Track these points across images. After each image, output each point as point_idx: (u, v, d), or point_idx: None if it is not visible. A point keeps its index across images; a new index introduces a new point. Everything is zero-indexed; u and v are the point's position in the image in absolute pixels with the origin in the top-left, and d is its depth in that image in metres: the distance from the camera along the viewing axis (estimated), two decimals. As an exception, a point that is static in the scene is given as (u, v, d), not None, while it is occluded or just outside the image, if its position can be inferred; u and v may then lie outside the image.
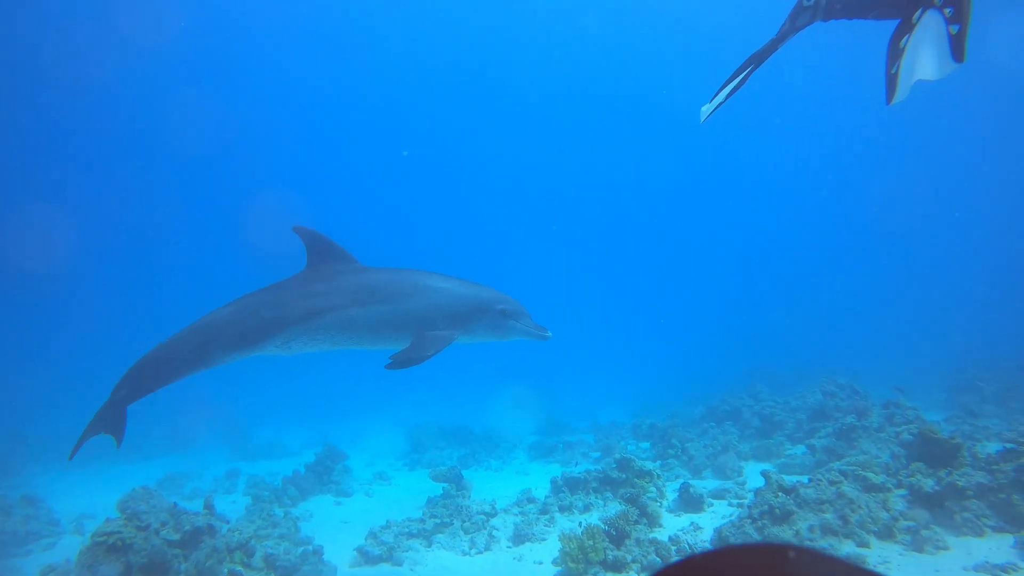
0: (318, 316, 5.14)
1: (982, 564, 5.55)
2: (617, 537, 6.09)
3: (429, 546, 7.05)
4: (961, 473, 6.67)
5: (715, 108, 3.66)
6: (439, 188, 49.95)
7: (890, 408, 9.91)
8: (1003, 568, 5.45)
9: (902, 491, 6.88)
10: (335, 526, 8.40)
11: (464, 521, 7.38)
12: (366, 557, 6.71)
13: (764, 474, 6.67)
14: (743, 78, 3.51)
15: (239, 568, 5.27)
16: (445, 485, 8.69)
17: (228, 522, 7.25)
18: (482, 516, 7.49)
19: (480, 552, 6.90)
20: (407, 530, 7.17)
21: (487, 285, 5.63)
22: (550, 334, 5.46)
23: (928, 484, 6.68)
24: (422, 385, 22.68)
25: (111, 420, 5.26)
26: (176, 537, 5.48)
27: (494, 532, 7.25)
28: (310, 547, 6.46)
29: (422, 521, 7.37)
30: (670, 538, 6.37)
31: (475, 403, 19.63)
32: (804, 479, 6.79)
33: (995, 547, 5.91)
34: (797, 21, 3.31)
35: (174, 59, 36.79)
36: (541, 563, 6.45)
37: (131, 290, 39.76)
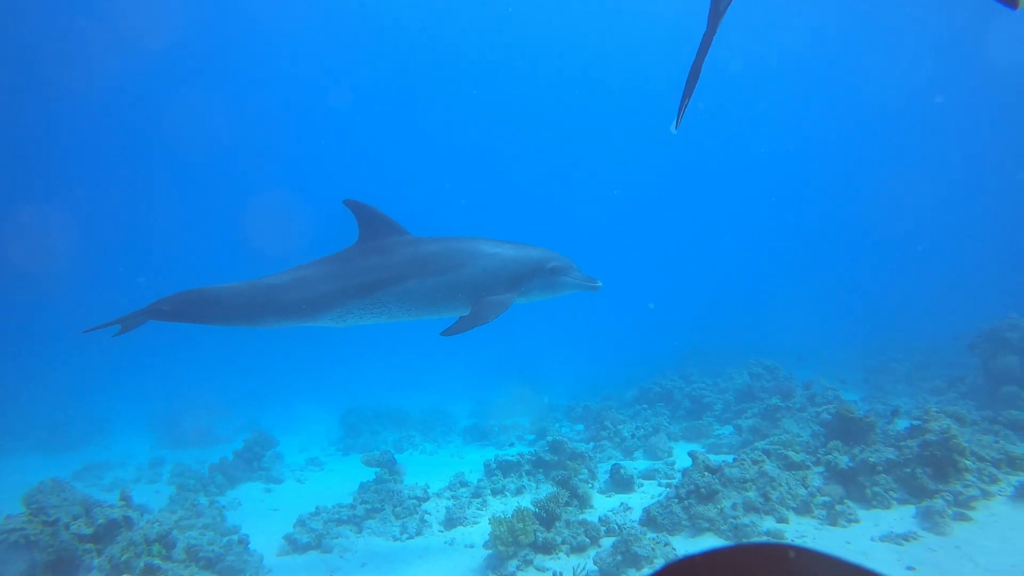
0: (376, 289, 5.14)
1: (887, 534, 5.87)
2: (547, 519, 6.15)
3: (359, 532, 6.97)
4: (873, 450, 7.01)
5: (680, 117, 3.65)
6: (436, 187, 50.12)
7: (811, 388, 10.34)
8: (904, 537, 5.78)
9: (820, 468, 7.20)
10: (264, 514, 8.21)
11: (396, 506, 7.33)
12: (294, 545, 6.58)
13: (691, 454, 6.85)
14: (694, 79, 3.50)
15: (157, 561, 5.06)
16: (378, 470, 8.59)
17: (149, 513, 6.97)
18: (414, 501, 7.45)
19: (411, 537, 6.87)
20: (337, 516, 7.07)
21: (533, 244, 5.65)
22: (600, 284, 5.49)
23: (843, 461, 7.00)
24: (358, 368, 22.43)
25: (133, 321, 5.34)
26: (88, 531, 5.22)
27: (426, 517, 7.23)
28: (236, 536, 6.27)
29: (352, 507, 7.27)
30: (600, 519, 6.47)
31: (412, 386, 19.53)
32: (729, 459, 7.01)
33: (900, 518, 6.26)
34: (719, 6, 3.31)
35: (175, 59, 36.64)
36: (472, 546, 6.46)
37: (131, 290, 39.10)
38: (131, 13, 30.88)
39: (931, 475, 6.62)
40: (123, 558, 5.03)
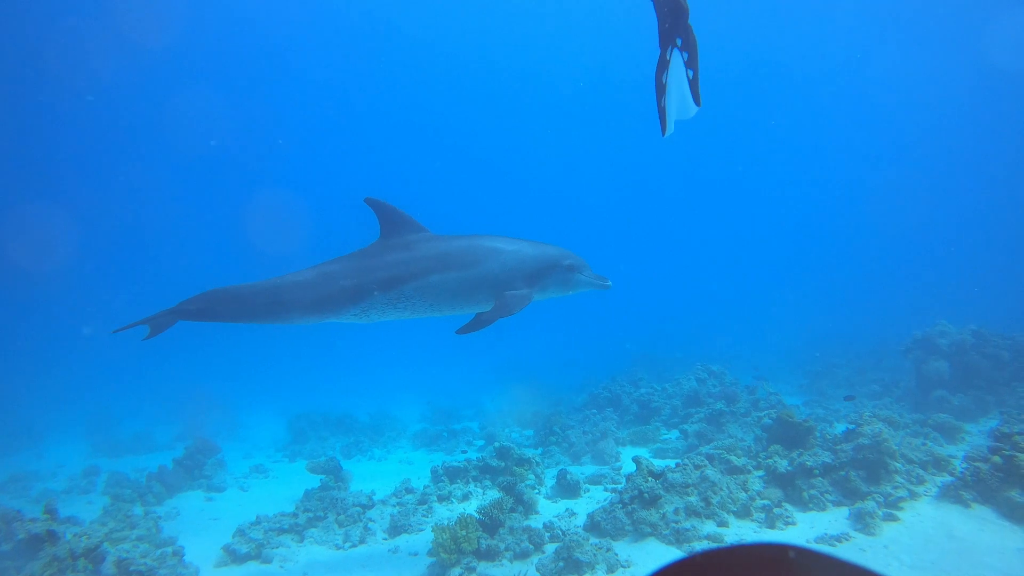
0: (399, 284, 5.25)
1: (822, 536, 6.05)
2: (491, 525, 6.14)
3: (301, 541, 6.83)
4: (811, 453, 7.22)
5: (665, 124, 3.69)
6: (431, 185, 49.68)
7: (755, 393, 10.59)
8: (837, 538, 5.97)
9: (760, 472, 7.38)
10: (203, 524, 7.98)
11: (339, 514, 7.22)
12: (233, 556, 6.41)
13: (635, 460, 6.93)
14: (662, 90, 3.53)
15: (83, 576, 4.86)
16: (323, 477, 8.47)
17: (79, 526, 6.70)
18: (358, 508, 7.35)
19: (354, 545, 6.77)
20: (278, 525, 6.92)
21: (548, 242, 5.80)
22: (610, 283, 5.67)
23: (782, 465, 7.19)
24: (308, 374, 22.06)
25: (162, 321, 5.38)
26: (7, 547, 4.98)
27: (370, 524, 7.14)
28: (171, 548, 6.08)
29: (294, 515, 7.13)
30: (545, 524, 6.49)
31: (363, 391, 19.31)
32: (672, 464, 7.12)
33: (834, 519, 6.46)
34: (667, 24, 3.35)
35: (175, 59, 36.76)
36: (416, 554, 6.40)
37: (131, 290, 38.99)
38: (131, 13, 31.19)
39: (864, 477, 6.85)
40: (45, 575, 4.81)
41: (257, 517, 7.03)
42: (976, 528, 6.02)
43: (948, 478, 6.99)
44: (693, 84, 2.88)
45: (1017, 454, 6.34)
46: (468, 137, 49.70)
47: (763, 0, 37.51)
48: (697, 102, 2.92)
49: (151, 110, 38.14)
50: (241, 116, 41.34)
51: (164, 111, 37.53)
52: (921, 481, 7.02)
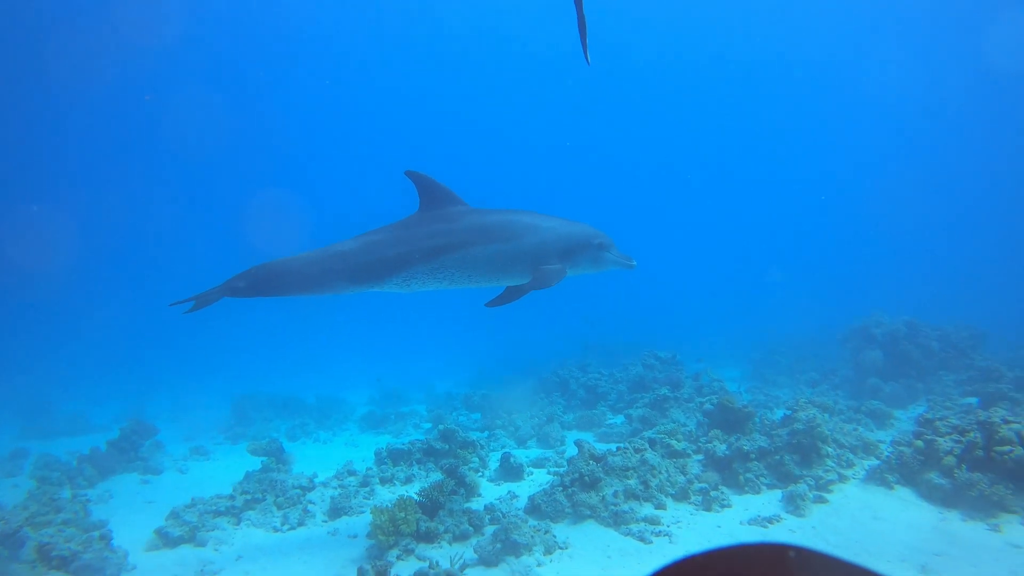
0: (442, 254, 5.35)
1: (755, 518, 6.22)
2: (431, 508, 6.13)
3: (238, 524, 6.70)
4: (749, 438, 7.40)
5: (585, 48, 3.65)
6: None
7: (700, 380, 10.81)
8: (769, 520, 6.15)
9: (700, 456, 7.54)
10: (137, 507, 7.75)
11: (278, 496, 7.11)
12: (165, 539, 6.25)
13: (577, 443, 7.01)
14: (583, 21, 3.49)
15: (-2, 561, 4.67)
16: (264, 459, 8.33)
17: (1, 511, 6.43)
18: (298, 491, 7.24)
19: (293, 528, 6.68)
20: (214, 508, 6.77)
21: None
22: (635, 263, 5.83)
23: (721, 449, 7.36)
24: (255, 354, 21.63)
25: (209, 297, 5.45)
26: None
27: (309, 507, 7.06)
28: (97, 532, 5.89)
29: (231, 498, 6.99)
30: (486, 507, 6.51)
31: (312, 373, 19.02)
32: (613, 447, 7.22)
33: (767, 502, 6.65)
34: None
35: (175, 58, 36.59)
36: (355, 536, 6.34)
37: (131, 290, 37.90)
38: (131, 13, 31.15)
39: (797, 461, 7.07)
40: (-43, 559, 4.60)
41: (192, 499, 6.87)
42: (898, 509, 6.29)
43: (875, 462, 7.28)
44: (582, 40, 2.91)
45: (937, 439, 6.63)
46: (465, 131, 49.60)
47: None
48: (586, 59, 2.96)
49: (151, 110, 38.44)
50: (241, 116, 41.52)
51: (164, 111, 37.61)
52: (850, 465, 7.28)
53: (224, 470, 9.41)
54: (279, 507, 6.98)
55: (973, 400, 9.96)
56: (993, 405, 8.62)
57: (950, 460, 6.39)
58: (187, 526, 6.31)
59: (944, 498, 6.25)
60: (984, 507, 5.91)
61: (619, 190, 52.68)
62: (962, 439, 6.52)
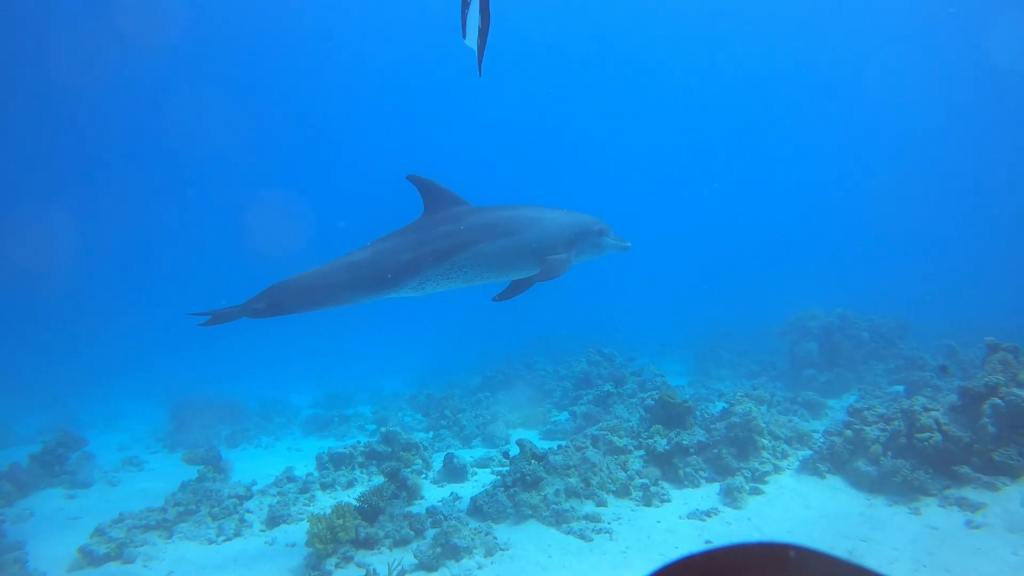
0: (453, 254, 5.45)
1: (693, 512, 6.33)
2: (371, 513, 6.03)
3: (169, 538, 6.45)
4: (689, 433, 7.53)
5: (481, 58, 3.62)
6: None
7: (642, 375, 10.96)
8: (707, 513, 6.27)
9: (641, 452, 7.62)
10: (60, 525, 7.36)
11: (213, 507, 6.88)
12: (89, 558, 5.96)
13: (519, 443, 7.00)
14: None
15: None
16: (201, 468, 8.06)
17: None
18: (234, 500, 7.02)
19: (228, 539, 6.47)
20: (144, 522, 6.51)
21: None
22: (629, 244, 6.07)
23: (661, 444, 7.45)
24: (193, 359, 20.94)
25: (225, 316, 5.50)
26: None
27: (246, 516, 6.85)
28: (13, 555, 5.58)
29: (163, 510, 6.73)
30: (428, 510, 6.44)
31: (254, 375, 18.56)
32: (555, 446, 7.24)
33: (706, 495, 6.78)
34: None
35: (175, 58, 36.87)
36: (293, 545, 6.20)
37: (130, 290, 37.83)
38: (132, 13, 31.27)
39: (734, 454, 7.23)
40: None
41: (120, 514, 6.58)
42: (828, 497, 6.50)
43: (808, 452, 7.50)
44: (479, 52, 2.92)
45: (865, 428, 6.88)
46: (465, 128, 49.48)
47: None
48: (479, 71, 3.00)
49: (152, 110, 38.46)
50: (241, 116, 41.24)
51: (164, 111, 37.63)
52: (785, 456, 7.49)
53: (159, 481, 9.05)
54: (214, 518, 6.75)
55: (900, 388, 10.40)
56: (918, 393, 9.03)
57: (876, 448, 6.64)
58: (113, 543, 6.04)
59: (871, 485, 6.48)
60: (907, 492, 6.16)
61: (574, 182, 53.29)
62: (887, 427, 6.79)
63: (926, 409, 6.58)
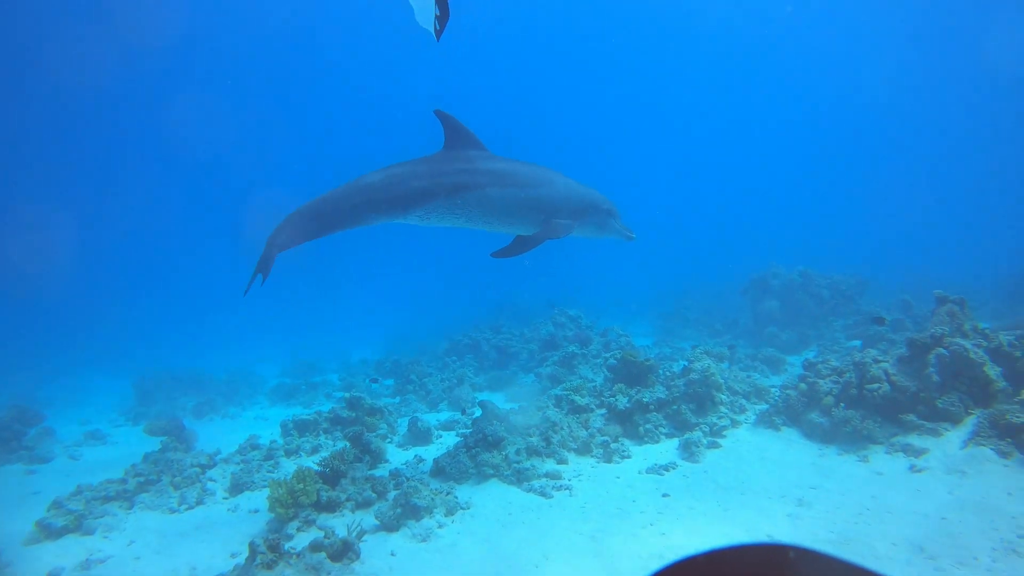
0: (462, 192, 5.53)
1: (652, 466, 6.46)
2: (332, 477, 6.05)
3: (130, 508, 6.41)
4: (650, 390, 7.64)
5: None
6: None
7: (607, 336, 11.07)
8: (665, 467, 6.40)
9: (603, 410, 7.73)
10: (19, 500, 7.25)
11: (175, 476, 6.84)
12: (46, 531, 5.89)
13: (481, 404, 7.05)
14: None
15: None
16: (164, 439, 7.99)
17: None
18: (196, 469, 7.00)
19: (190, 507, 6.46)
20: (103, 493, 6.44)
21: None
22: (634, 236, 6.10)
23: (622, 402, 7.57)
24: (158, 331, 20.65)
25: (265, 263, 5.55)
26: None
27: (209, 484, 6.84)
28: (-33, 528, 5.50)
29: (123, 481, 6.66)
30: (391, 472, 6.49)
31: (222, 347, 18.37)
32: (516, 406, 7.31)
33: (665, 450, 6.92)
34: None
35: (175, 58, 37.08)
36: (256, 511, 6.21)
37: (131, 289, 36.93)
38: (132, 14, 31.37)
39: (693, 410, 7.38)
40: None
41: (78, 486, 6.51)
42: (783, 448, 6.69)
43: (765, 406, 7.69)
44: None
45: (818, 380, 7.06)
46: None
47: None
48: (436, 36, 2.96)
49: (151, 110, 38.67)
50: (241, 116, 41.42)
51: (164, 111, 37.57)
52: (743, 410, 7.67)
53: (121, 454, 8.95)
54: (176, 487, 6.72)
55: (857, 343, 10.66)
56: (873, 347, 9.27)
57: (829, 400, 6.83)
58: (72, 515, 5.98)
59: (823, 435, 6.68)
60: (856, 440, 6.37)
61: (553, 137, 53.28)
62: (840, 380, 6.98)
63: (876, 361, 6.76)
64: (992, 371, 6.25)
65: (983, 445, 5.64)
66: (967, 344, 6.37)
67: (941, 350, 6.40)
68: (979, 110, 44.57)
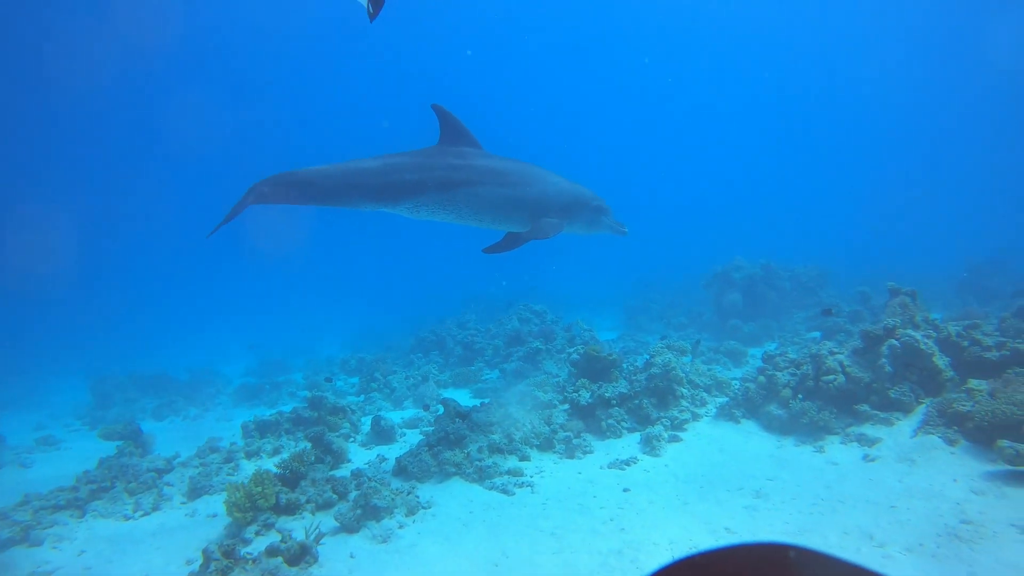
0: (453, 188, 5.60)
1: (614, 461, 6.50)
2: (292, 479, 5.97)
3: (82, 517, 6.24)
4: (612, 385, 7.68)
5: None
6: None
7: (572, 331, 11.10)
8: (627, 462, 6.45)
9: (566, 406, 7.75)
10: (-37, 510, 7.04)
11: (130, 482, 6.68)
12: (-8, 542, 5.72)
13: (443, 402, 7.02)
14: None
15: None
16: (119, 443, 7.82)
17: None
18: (153, 474, 6.85)
19: (146, 513, 6.32)
20: (52, 502, 6.27)
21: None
22: (627, 230, 6.14)
23: (585, 397, 7.60)
24: (117, 331, 20.17)
25: (237, 208, 5.52)
26: None
27: (165, 490, 6.69)
28: (-94, 543, 5.30)
29: (74, 489, 6.50)
30: (353, 472, 6.42)
31: (186, 346, 18.02)
32: (478, 403, 7.29)
33: (627, 445, 6.97)
34: None
35: (175, 59, 37.31)
36: (215, 516, 6.09)
37: (129, 289, 36.34)
38: (132, 14, 31.51)
39: (655, 404, 7.43)
40: None
41: (25, 496, 6.33)
42: (742, 440, 6.78)
43: (725, 399, 7.79)
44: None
45: (776, 373, 7.17)
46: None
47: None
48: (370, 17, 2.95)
49: (151, 110, 38.92)
50: (241, 116, 41.92)
51: (164, 111, 37.93)
52: (703, 403, 7.76)
53: (75, 460, 8.70)
54: (131, 493, 6.57)
55: (817, 334, 10.86)
56: (832, 338, 9.46)
57: (787, 392, 6.94)
58: (18, 526, 5.81)
59: (781, 427, 6.80)
60: (813, 431, 6.48)
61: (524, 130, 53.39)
62: (797, 371, 7.09)
63: (831, 353, 6.90)
64: (941, 361, 6.42)
65: (932, 433, 5.79)
66: (917, 335, 6.53)
67: (893, 341, 6.55)
68: (940, 105, 45.79)
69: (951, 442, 5.63)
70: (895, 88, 45.72)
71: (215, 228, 5.59)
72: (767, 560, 0.76)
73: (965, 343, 6.71)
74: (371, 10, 3.10)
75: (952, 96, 44.46)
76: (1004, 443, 5.02)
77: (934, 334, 6.85)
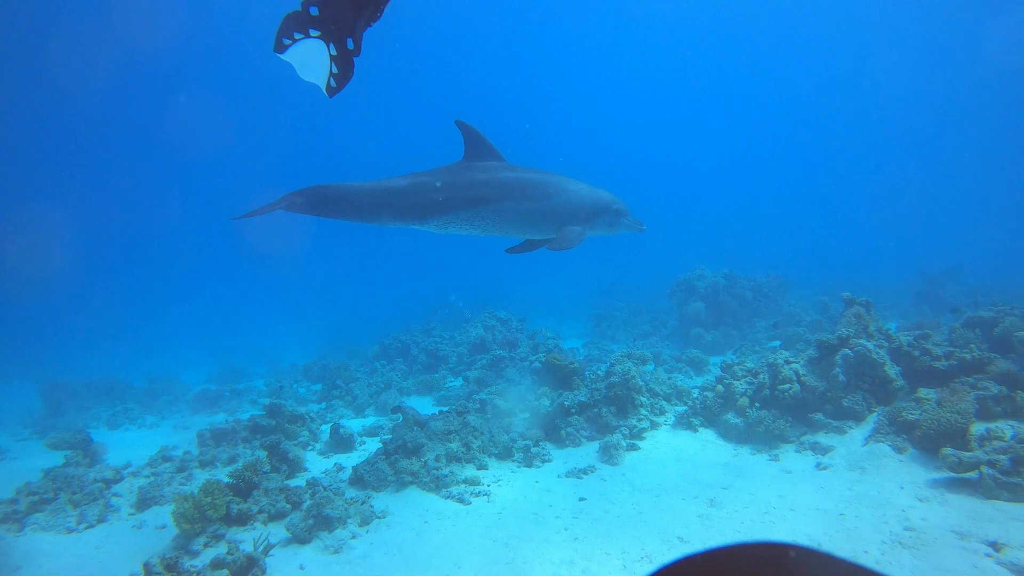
0: (480, 204, 5.75)
1: (571, 470, 6.48)
2: (244, 489, 5.84)
3: (21, 530, 6.02)
4: (572, 394, 7.69)
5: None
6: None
7: (535, 339, 11.10)
8: (584, 471, 6.43)
9: (526, 414, 7.74)
10: None
11: (74, 493, 6.47)
12: (-76, 557, 5.49)
13: (399, 409, 6.95)
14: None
15: None
16: (67, 453, 7.58)
17: None
18: (100, 484, 6.64)
19: (91, 526, 6.11)
20: (-10, 515, 6.04)
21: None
22: (644, 227, 6.32)
23: (545, 405, 7.59)
24: (71, 337, 19.63)
25: (268, 207, 5.68)
26: None
27: (113, 500, 6.50)
28: None
29: (13, 502, 6.26)
30: (308, 482, 6.30)
31: (146, 352, 17.61)
32: (436, 412, 7.23)
33: (586, 454, 6.96)
34: None
35: (175, 59, 37.83)
36: (164, 527, 5.92)
37: (130, 289, 36.06)
38: (132, 15, 31.45)
39: (614, 412, 7.44)
40: None
41: (-42, 511, 6.09)
42: (699, 449, 6.83)
43: (684, 407, 7.84)
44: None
45: (734, 382, 7.25)
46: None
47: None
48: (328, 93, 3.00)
49: (152, 111, 38.91)
50: (241, 116, 42.05)
51: (164, 112, 37.92)
52: (663, 412, 7.79)
53: (20, 471, 8.39)
54: (75, 505, 6.36)
55: (777, 343, 11.02)
56: (792, 347, 9.60)
57: (744, 401, 7.02)
58: (-48, 539, 5.58)
59: (739, 435, 6.86)
60: (769, 440, 6.56)
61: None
62: (754, 381, 7.18)
63: (787, 362, 6.99)
64: (892, 370, 6.55)
65: (882, 442, 5.89)
66: (870, 345, 6.66)
67: (847, 351, 6.67)
68: (912, 113, 47.11)
69: (900, 450, 5.74)
70: (862, 98, 46.94)
71: (243, 215, 5.74)
72: (767, 560, 0.76)
73: (916, 353, 6.87)
74: (333, 85, 3.10)
75: (924, 104, 45.83)
76: (948, 451, 5.13)
77: (887, 344, 6.99)
